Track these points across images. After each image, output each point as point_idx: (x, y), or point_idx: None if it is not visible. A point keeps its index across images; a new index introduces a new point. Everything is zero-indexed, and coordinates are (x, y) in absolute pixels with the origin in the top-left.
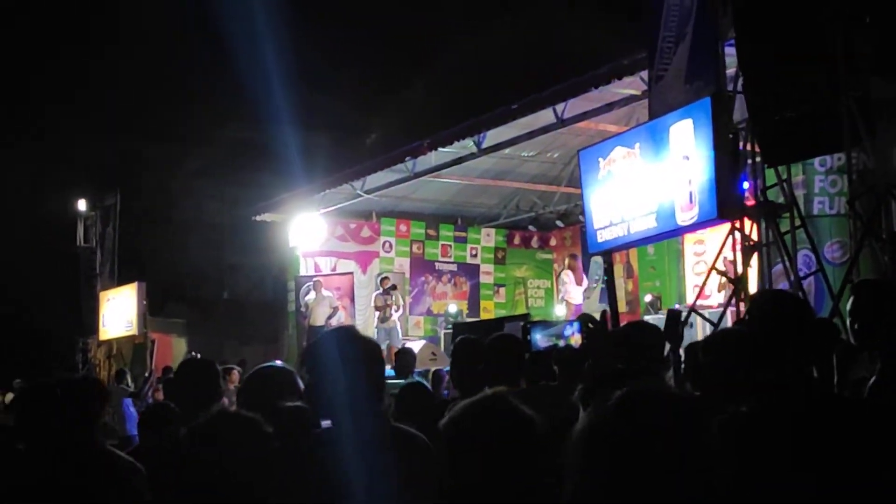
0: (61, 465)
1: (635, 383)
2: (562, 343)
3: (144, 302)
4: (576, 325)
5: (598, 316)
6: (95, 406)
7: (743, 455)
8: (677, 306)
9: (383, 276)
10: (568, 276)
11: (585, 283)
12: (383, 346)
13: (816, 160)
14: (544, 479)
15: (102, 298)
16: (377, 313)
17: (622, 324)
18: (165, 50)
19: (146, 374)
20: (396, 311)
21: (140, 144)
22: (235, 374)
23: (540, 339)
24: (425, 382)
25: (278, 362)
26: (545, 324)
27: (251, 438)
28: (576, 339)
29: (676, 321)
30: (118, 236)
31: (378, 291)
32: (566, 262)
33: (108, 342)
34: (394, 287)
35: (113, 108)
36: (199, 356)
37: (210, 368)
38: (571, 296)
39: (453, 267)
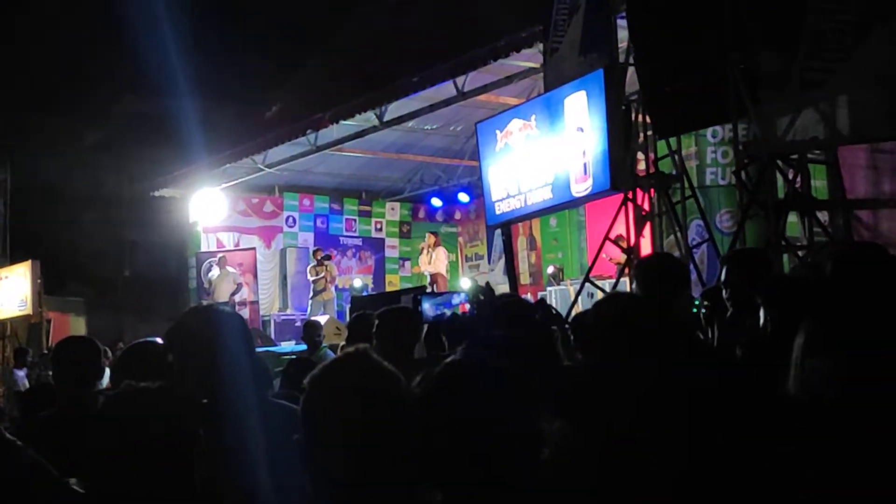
0: None
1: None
2: (448, 313)
3: (39, 280)
4: (462, 294)
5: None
6: None
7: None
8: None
9: (316, 248)
10: (442, 252)
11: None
12: (322, 319)
13: (709, 132)
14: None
15: None
16: (311, 286)
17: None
18: (58, 21)
19: (43, 353)
20: (331, 282)
21: (32, 118)
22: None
23: (429, 308)
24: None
25: (158, 339)
26: (434, 295)
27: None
28: (464, 309)
29: (544, 306)
30: (10, 213)
31: (312, 263)
32: (432, 240)
33: (2, 322)
34: (327, 257)
35: (2, 81)
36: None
37: (89, 346)
38: (441, 268)
39: (358, 241)
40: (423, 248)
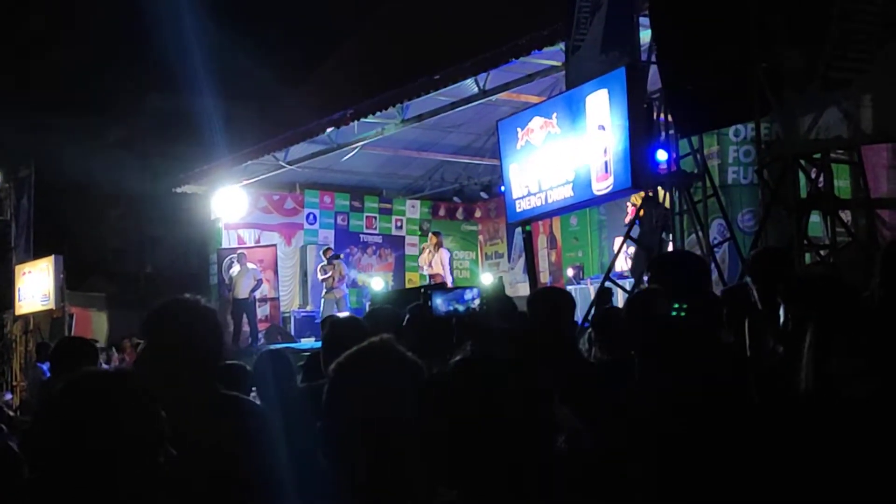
0: None
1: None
2: (461, 308)
3: (62, 275)
4: (475, 290)
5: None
6: None
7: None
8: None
9: (326, 246)
10: (444, 254)
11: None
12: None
13: (731, 131)
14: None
15: (18, 272)
16: (323, 284)
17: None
18: (83, 18)
19: None
20: (340, 281)
21: (56, 115)
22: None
23: (440, 304)
24: None
25: None
26: (446, 290)
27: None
28: (476, 305)
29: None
30: (34, 209)
31: (322, 262)
32: (434, 241)
33: (25, 317)
34: (336, 257)
35: (26, 77)
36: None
37: (86, 347)
38: (445, 269)
39: (378, 239)
40: (424, 248)
